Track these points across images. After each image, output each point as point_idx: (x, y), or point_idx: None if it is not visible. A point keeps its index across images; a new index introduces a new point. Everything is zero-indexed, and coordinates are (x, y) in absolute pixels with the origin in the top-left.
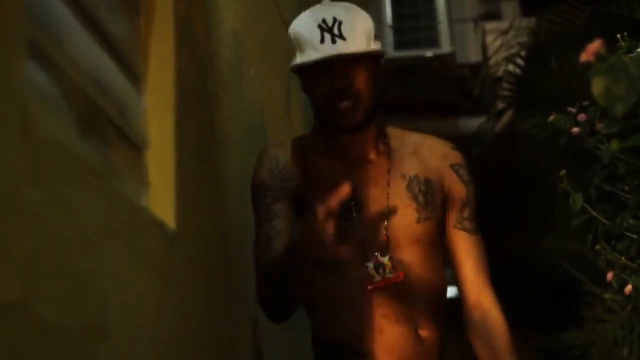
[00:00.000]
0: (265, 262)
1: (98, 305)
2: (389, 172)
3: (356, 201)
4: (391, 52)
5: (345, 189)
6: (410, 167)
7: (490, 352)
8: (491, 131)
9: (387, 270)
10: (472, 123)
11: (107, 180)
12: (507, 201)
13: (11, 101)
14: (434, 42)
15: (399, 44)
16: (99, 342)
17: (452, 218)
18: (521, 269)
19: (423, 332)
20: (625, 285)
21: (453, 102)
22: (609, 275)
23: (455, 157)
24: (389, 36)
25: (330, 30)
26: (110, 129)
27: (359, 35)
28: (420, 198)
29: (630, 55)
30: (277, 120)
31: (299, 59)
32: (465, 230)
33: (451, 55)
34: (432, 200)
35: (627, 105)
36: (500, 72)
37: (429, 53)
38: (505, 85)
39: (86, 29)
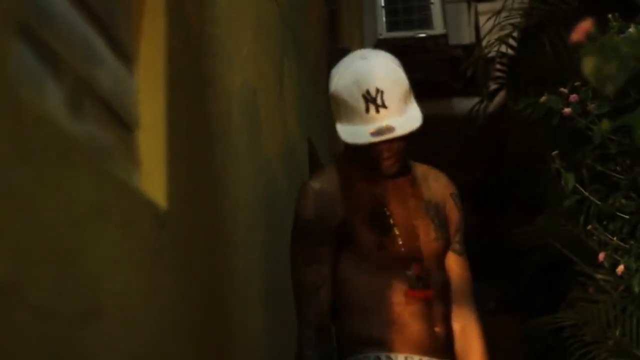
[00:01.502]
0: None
1: (90, 287)
2: (411, 194)
3: (393, 218)
4: (384, 33)
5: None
6: (425, 193)
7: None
8: (484, 113)
9: (423, 284)
10: (465, 104)
11: (97, 161)
12: (501, 184)
13: (1, 82)
14: (427, 23)
15: (392, 25)
16: (90, 324)
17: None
18: (515, 253)
19: (437, 329)
20: (617, 265)
21: (446, 83)
22: (601, 256)
23: (453, 187)
24: (382, 17)
25: (374, 100)
26: (101, 110)
27: (399, 101)
28: (436, 220)
29: (622, 35)
30: (270, 100)
31: (347, 125)
32: (455, 252)
33: (444, 37)
34: (444, 223)
35: (617, 84)
36: (493, 53)
37: (421, 34)
38: (498, 66)
39: (77, 9)
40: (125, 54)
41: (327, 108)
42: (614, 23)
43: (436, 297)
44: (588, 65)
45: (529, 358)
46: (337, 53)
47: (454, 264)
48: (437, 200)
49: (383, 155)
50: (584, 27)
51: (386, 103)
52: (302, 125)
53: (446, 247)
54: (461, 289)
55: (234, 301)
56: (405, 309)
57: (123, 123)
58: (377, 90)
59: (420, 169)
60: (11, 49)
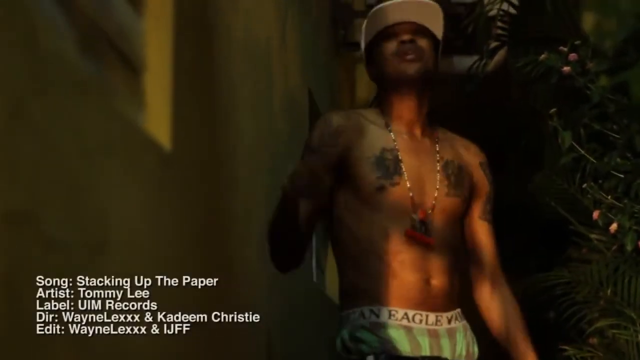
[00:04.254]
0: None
1: (97, 220)
2: (429, 151)
3: (403, 164)
4: None
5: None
6: (447, 153)
7: (506, 318)
8: (483, 69)
9: (427, 230)
10: (466, 62)
11: (106, 99)
12: (500, 142)
13: (17, 19)
14: None
15: None
16: (98, 254)
17: (478, 210)
18: (513, 212)
19: (433, 281)
20: (610, 224)
21: (447, 40)
22: (595, 214)
23: (484, 157)
24: None
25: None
26: (109, 50)
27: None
28: (452, 178)
29: None
30: (272, 49)
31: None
32: (487, 221)
33: None
34: (461, 183)
35: (616, 40)
36: (494, 11)
37: None
38: (499, 24)
39: None
40: None
41: (328, 61)
42: None
43: (437, 248)
44: (588, 20)
45: (525, 316)
46: (339, 7)
47: (486, 232)
48: (462, 163)
49: (405, 50)
50: None
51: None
52: (304, 76)
53: (459, 207)
54: (493, 256)
55: (233, 243)
56: (395, 258)
57: (130, 64)
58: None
59: (449, 135)
60: None
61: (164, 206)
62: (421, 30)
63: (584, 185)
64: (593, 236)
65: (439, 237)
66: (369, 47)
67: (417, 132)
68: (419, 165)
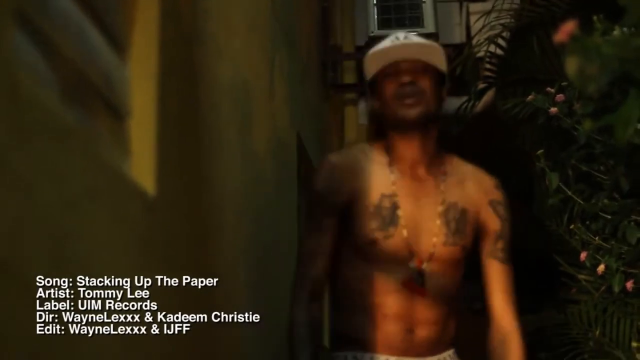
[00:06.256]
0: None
1: (81, 267)
2: (432, 193)
3: (401, 212)
4: (375, 31)
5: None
6: (453, 194)
7: None
8: (471, 111)
9: (422, 281)
10: (455, 103)
11: (90, 146)
12: None
13: None
14: (418, 21)
15: (384, 23)
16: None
17: (487, 248)
18: None
19: (418, 331)
20: (598, 265)
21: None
22: (583, 255)
23: (496, 194)
24: (374, 15)
25: (398, 38)
26: (94, 97)
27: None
28: (452, 225)
29: (606, 37)
30: (260, 94)
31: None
32: (497, 259)
33: (435, 35)
34: (463, 229)
35: (599, 85)
36: (482, 53)
37: (412, 32)
38: (487, 65)
39: None
40: (119, 44)
41: (317, 104)
42: (598, 25)
43: (429, 299)
44: (571, 65)
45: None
46: (328, 50)
47: (496, 271)
48: (467, 205)
49: (404, 93)
50: (567, 28)
51: (413, 39)
52: (292, 120)
53: (459, 254)
54: (504, 298)
55: (219, 291)
56: (379, 310)
57: (115, 111)
58: (406, 36)
59: (462, 169)
60: (9, 36)
61: (149, 253)
62: (423, 68)
63: (572, 227)
64: (581, 277)
65: (433, 287)
66: (372, 81)
67: (422, 171)
68: (418, 211)
